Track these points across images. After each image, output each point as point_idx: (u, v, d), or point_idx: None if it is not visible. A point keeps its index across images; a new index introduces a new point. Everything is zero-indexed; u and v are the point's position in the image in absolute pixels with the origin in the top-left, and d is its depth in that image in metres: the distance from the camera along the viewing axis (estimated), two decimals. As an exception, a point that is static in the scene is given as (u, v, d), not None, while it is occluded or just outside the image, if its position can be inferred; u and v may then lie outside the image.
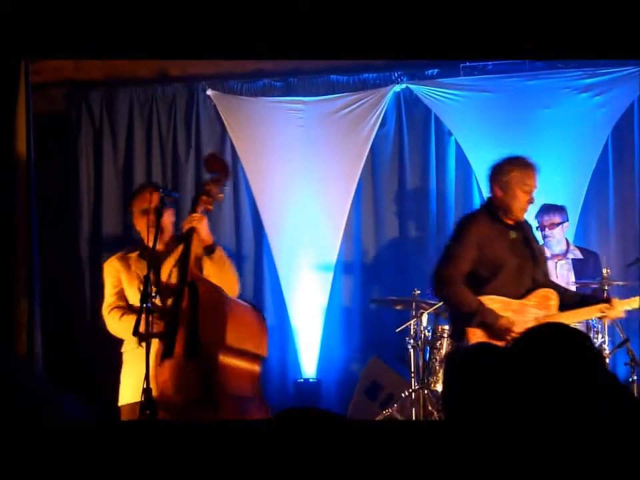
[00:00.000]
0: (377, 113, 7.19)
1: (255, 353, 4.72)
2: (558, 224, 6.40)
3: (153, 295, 4.66)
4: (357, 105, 7.20)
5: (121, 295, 5.04)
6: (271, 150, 7.00)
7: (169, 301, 4.79)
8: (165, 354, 4.62)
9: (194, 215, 4.89)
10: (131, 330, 4.51)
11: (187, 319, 4.65)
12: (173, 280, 4.79)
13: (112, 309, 5.01)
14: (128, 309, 4.98)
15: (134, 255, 5.04)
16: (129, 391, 4.78)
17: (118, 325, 4.97)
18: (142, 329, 4.50)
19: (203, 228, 4.89)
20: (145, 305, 4.49)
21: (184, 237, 4.86)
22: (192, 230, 4.85)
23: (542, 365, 2.31)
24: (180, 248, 4.88)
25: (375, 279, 7.31)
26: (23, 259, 5.29)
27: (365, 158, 7.23)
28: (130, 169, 7.22)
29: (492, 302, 4.92)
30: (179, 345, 4.63)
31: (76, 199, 7.14)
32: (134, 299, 4.90)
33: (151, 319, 4.54)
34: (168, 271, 4.87)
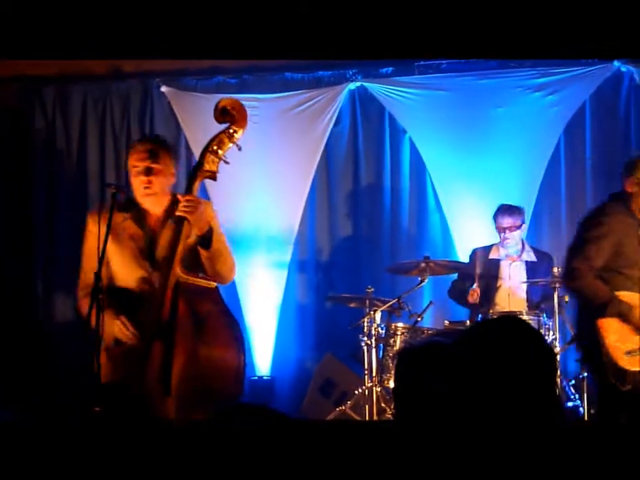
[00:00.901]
0: (332, 110, 7.22)
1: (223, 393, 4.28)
2: (518, 227, 6.41)
3: (147, 274, 4.30)
4: (311, 102, 7.23)
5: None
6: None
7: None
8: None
9: (187, 199, 4.28)
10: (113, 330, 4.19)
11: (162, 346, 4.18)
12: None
13: (84, 292, 4.38)
14: (109, 293, 4.33)
15: (128, 216, 4.39)
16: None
17: (83, 313, 4.35)
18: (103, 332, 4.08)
19: (197, 217, 4.30)
20: (99, 296, 4.05)
21: (174, 223, 4.32)
22: (182, 220, 4.30)
23: (489, 360, 2.32)
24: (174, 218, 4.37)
25: (329, 277, 7.35)
26: None
27: (319, 156, 7.26)
28: (83, 165, 7.17)
29: (621, 297, 4.82)
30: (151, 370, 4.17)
31: (29, 194, 7.07)
32: (124, 275, 4.36)
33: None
34: (165, 243, 4.36)
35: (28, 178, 7.05)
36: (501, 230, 6.40)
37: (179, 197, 4.36)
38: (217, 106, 4.34)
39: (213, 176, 4.37)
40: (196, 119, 7.05)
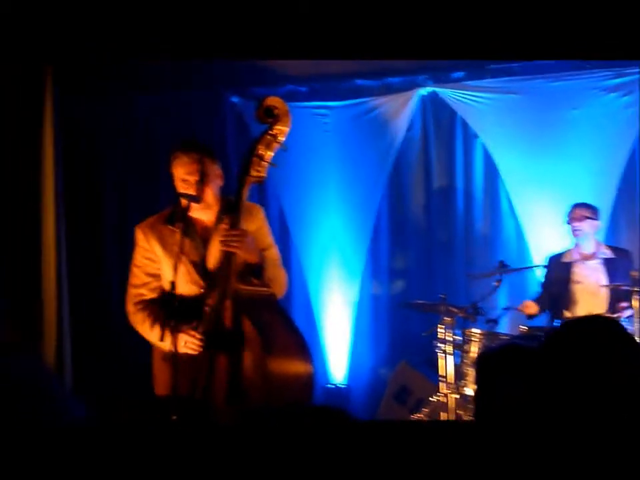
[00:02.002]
0: (403, 116, 7.19)
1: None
2: (587, 217, 6.29)
3: (203, 289, 4.21)
4: (382, 109, 7.20)
5: (154, 280, 4.39)
6: (296, 155, 6.93)
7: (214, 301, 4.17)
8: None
9: (232, 234, 4.14)
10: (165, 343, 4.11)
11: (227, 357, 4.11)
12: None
13: (139, 307, 4.37)
14: (158, 307, 4.34)
15: (177, 229, 4.22)
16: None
17: (147, 334, 4.36)
18: (169, 345, 4.05)
19: (245, 251, 4.17)
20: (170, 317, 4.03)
21: (221, 261, 4.18)
22: (230, 256, 4.16)
23: (576, 362, 2.24)
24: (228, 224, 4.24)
25: (402, 284, 7.31)
26: (51, 261, 5.44)
27: (391, 162, 7.22)
28: (155, 174, 6.99)
29: None
30: (219, 382, 4.10)
31: (100, 198, 7.05)
32: (178, 289, 4.18)
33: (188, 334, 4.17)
34: (217, 252, 4.25)
35: (100, 181, 7.05)
36: (571, 221, 6.30)
37: (224, 229, 4.24)
38: (259, 105, 4.19)
39: (260, 181, 4.21)
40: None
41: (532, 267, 6.69)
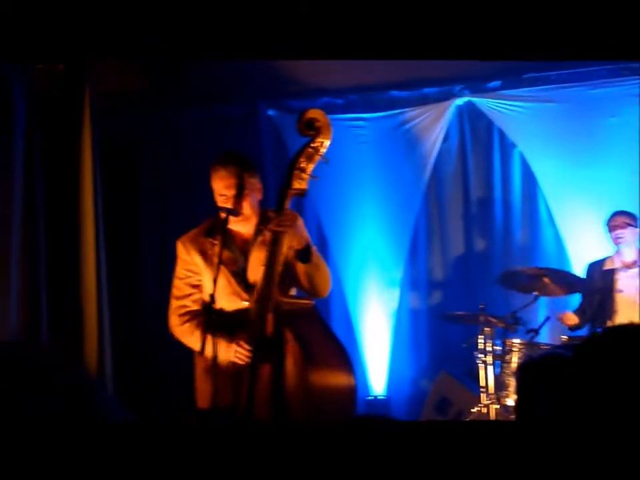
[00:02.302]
0: (440, 127, 7.16)
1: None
2: (629, 224, 6.23)
3: (244, 300, 4.22)
4: (418, 120, 7.17)
5: (197, 292, 4.40)
6: (333, 167, 6.92)
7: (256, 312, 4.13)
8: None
9: (282, 214, 4.14)
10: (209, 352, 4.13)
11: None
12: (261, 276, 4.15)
13: (185, 318, 4.37)
14: (203, 318, 4.32)
15: (216, 241, 4.24)
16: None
17: (196, 345, 4.29)
18: (209, 352, 4.09)
19: (295, 231, 4.16)
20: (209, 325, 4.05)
21: (269, 242, 4.18)
22: (279, 236, 4.16)
23: (619, 371, 2.20)
24: (268, 237, 4.23)
25: (441, 294, 7.29)
26: (90, 271, 5.51)
27: (428, 173, 7.19)
28: (192, 189, 7.04)
29: None
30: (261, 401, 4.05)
31: (137, 208, 7.09)
32: (219, 301, 4.20)
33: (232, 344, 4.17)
34: (258, 265, 4.22)
35: (139, 195, 7.08)
36: (612, 229, 6.24)
37: (271, 214, 4.25)
38: (301, 118, 4.17)
39: (302, 193, 4.20)
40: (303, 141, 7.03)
41: (572, 275, 6.57)
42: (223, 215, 4.20)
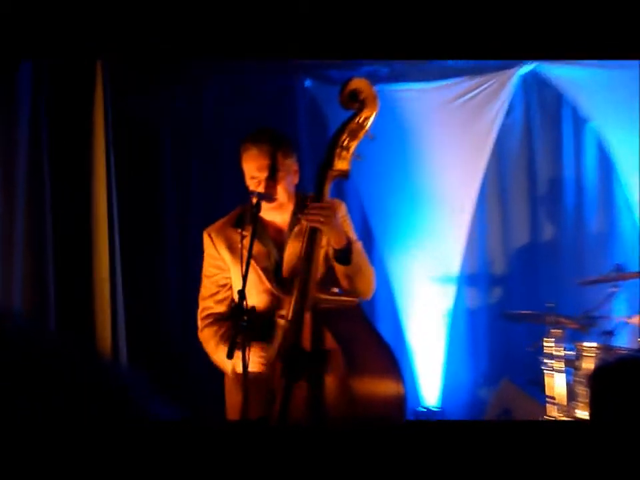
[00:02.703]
0: (501, 99, 7.06)
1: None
2: None
3: (277, 300, 4.22)
4: (477, 91, 7.08)
5: (223, 290, 4.44)
6: (378, 145, 6.88)
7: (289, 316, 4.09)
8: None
9: (320, 206, 4.08)
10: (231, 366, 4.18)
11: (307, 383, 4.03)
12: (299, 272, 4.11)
13: (205, 322, 4.43)
14: (228, 321, 4.36)
15: (246, 232, 4.17)
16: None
17: (213, 352, 4.39)
18: (237, 366, 4.09)
19: (333, 228, 4.11)
20: (239, 329, 3.93)
21: (305, 239, 4.12)
22: (315, 232, 4.11)
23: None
24: (305, 227, 4.16)
25: (503, 291, 7.24)
26: (103, 257, 5.72)
27: (488, 153, 7.09)
28: (218, 168, 6.99)
29: None
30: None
31: (157, 194, 7.01)
32: (250, 300, 4.08)
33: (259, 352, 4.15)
34: (295, 259, 4.24)
35: (158, 178, 7.01)
36: None
37: (309, 203, 4.18)
38: (343, 89, 4.15)
39: (344, 175, 4.17)
40: (343, 114, 6.96)
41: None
42: (254, 200, 4.17)
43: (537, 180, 7.20)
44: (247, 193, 4.25)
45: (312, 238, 4.09)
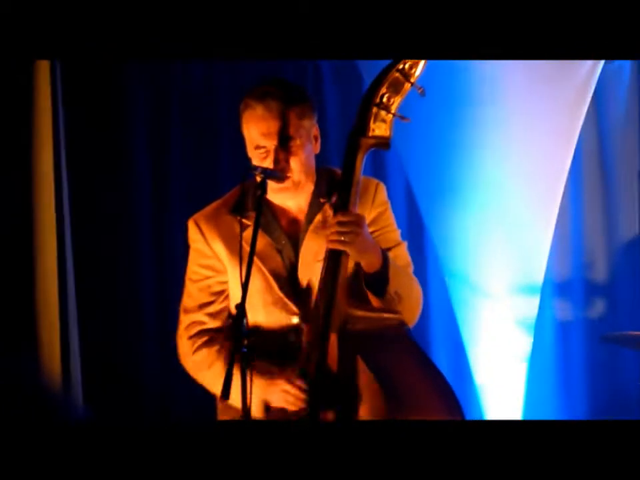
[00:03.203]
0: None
1: None
2: None
3: (293, 315, 4.03)
4: None
5: (219, 300, 4.23)
6: (429, 107, 6.50)
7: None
8: None
9: (340, 221, 3.85)
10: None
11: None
12: (318, 275, 3.94)
13: (199, 342, 4.20)
14: (227, 341, 4.17)
15: (249, 222, 4.04)
16: None
17: (210, 383, 4.16)
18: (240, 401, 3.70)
19: (361, 247, 3.88)
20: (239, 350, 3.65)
21: (328, 262, 3.91)
22: (339, 256, 3.89)
23: None
24: (330, 214, 4.02)
25: (605, 303, 6.99)
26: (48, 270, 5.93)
27: (582, 116, 6.76)
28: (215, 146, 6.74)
29: None
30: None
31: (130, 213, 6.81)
32: (254, 314, 3.98)
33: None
34: (314, 260, 4.05)
35: (126, 153, 6.81)
36: None
37: (330, 215, 3.99)
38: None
39: (384, 143, 3.91)
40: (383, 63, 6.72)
41: None
42: (259, 177, 3.93)
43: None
44: (248, 168, 4.01)
45: (334, 263, 3.90)
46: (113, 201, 6.66)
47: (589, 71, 6.73)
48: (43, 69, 6.00)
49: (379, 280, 3.95)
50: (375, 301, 3.98)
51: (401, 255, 4.16)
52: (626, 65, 6.92)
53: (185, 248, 4.31)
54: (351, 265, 3.94)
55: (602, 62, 6.75)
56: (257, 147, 4.00)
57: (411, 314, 4.08)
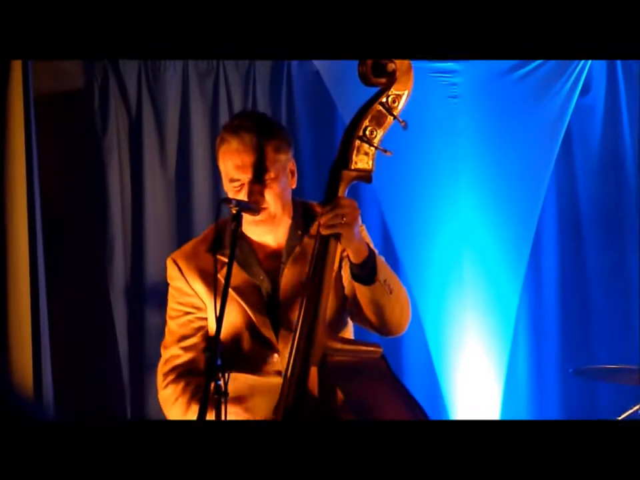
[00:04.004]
0: (574, 73, 6.78)
1: None
2: None
3: (271, 348, 4.04)
4: (539, 63, 6.82)
5: (196, 336, 4.19)
6: (409, 134, 6.50)
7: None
8: None
9: (334, 210, 3.81)
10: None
11: None
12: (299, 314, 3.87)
13: (169, 377, 4.18)
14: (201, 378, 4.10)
15: (225, 255, 3.98)
16: None
17: (165, 409, 4.16)
18: None
19: (353, 234, 3.86)
20: (214, 386, 3.63)
21: (313, 259, 3.88)
22: (326, 248, 3.85)
23: None
24: (309, 247, 3.98)
25: (580, 338, 6.88)
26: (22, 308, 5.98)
27: (558, 143, 6.80)
28: (186, 174, 6.76)
29: None
30: None
31: (104, 223, 6.75)
32: (231, 353, 3.99)
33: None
34: (292, 290, 4.06)
35: (102, 198, 6.77)
36: None
37: (316, 208, 4.05)
38: (364, 60, 3.96)
39: (366, 176, 3.88)
40: (359, 94, 6.45)
41: None
42: (234, 210, 3.87)
43: (627, 179, 6.90)
44: (222, 200, 3.96)
45: (323, 256, 3.85)
46: (84, 202, 6.65)
47: (562, 104, 6.75)
48: (16, 69, 6.04)
49: (367, 269, 3.91)
50: (367, 292, 3.94)
51: (384, 262, 4.09)
52: (599, 102, 6.92)
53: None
54: (332, 300, 3.90)
55: (575, 96, 6.79)
56: (232, 180, 3.98)
57: (401, 316, 4.06)
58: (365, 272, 3.91)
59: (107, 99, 6.75)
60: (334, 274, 3.96)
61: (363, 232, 4.06)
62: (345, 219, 3.78)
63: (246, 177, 3.96)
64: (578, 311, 6.96)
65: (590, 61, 6.76)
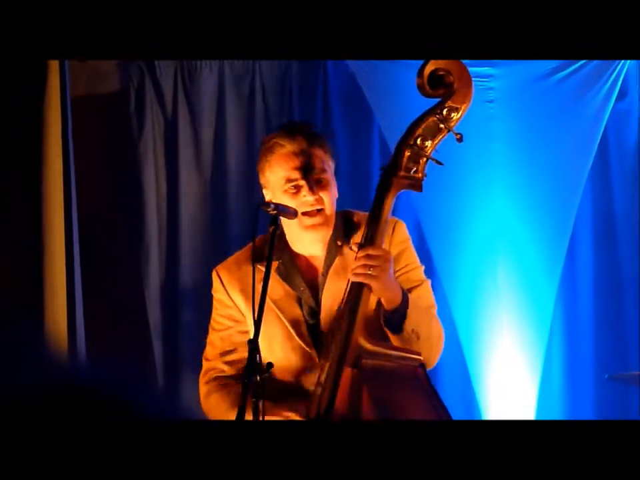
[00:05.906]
0: (611, 78, 6.72)
1: None
2: None
3: (311, 360, 4.03)
4: (576, 67, 6.74)
5: (239, 350, 4.17)
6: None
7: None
8: None
9: (367, 255, 3.81)
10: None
11: None
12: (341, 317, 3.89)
13: (215, 383, 4.20)
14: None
15: (274, 266, 4.01)
16: None
17: (211, 417, 4.16)
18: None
19: (384, 283, 3.84)
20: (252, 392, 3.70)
21: (349, 295, 3.87)
22: (361, 289, 3.84)
23: None
24: (349, 259, 3.98)
25: (614, 343, 6.81)
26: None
27: (594, 147, 6.70)
28: (222, 176, 6.79)
29: None
30: None
31: (140, 224, 6.79)
32: (269, 354, 3.98)
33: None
34: (334, 303, 4.01)
35: (137, 199, 6.82)
36: None
37: (355, 216, 4.08)
38: (422, 70, 3.89)
39: (416, 185, 3.94)
40: (396, 99, 6.58)
41: None
42: (273, 213, 3.90)
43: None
44: (259, 204, 4.01)
45: (355, 297, 3.86)
46: (120, 203, 6.77)
47: (598, 108, 6.75)
48: (53, 70, 6.12)
49: (396, 317, 3.89)
50: (394, 340, 3.93)
51: (424, 296, 4.10)
52: (635, 106, 6.90)
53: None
54: (374, 300, 3.89)
55: (612, 101, 6.79)
56: (288, 180, 3.97)
57: (430, 354, 4.01)
58: (396, 317, 3.89)
59: (143, 100, 6.79)
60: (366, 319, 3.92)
61: (407, 251, 4.13)
62: (372, 270, 3.76)
63: (303, 178, 3.97)
64: (613, 316, 6.91)
65: (627, 67, 6.74)
